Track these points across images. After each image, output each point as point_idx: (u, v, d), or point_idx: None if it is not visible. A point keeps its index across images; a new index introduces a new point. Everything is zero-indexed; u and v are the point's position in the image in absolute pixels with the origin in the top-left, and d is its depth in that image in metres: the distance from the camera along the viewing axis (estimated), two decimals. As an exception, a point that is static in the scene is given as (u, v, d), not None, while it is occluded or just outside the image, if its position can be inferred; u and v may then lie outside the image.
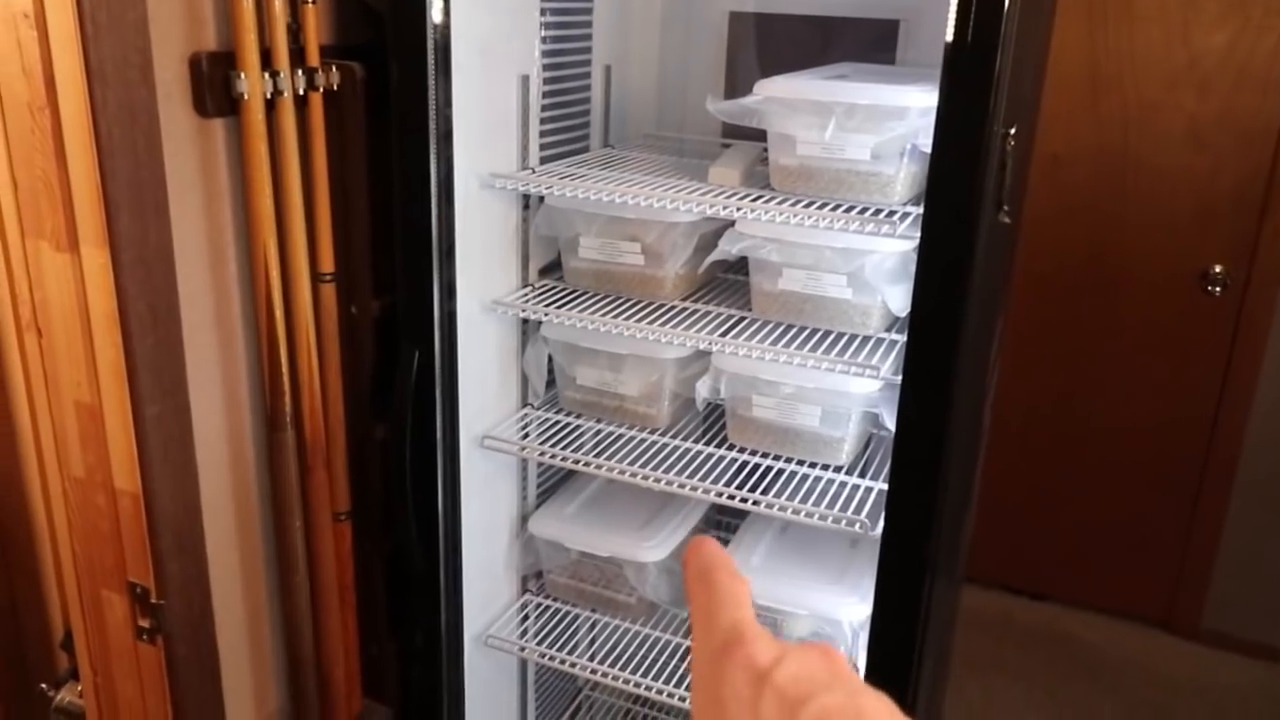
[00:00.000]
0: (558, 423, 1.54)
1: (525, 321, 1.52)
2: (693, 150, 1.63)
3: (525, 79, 1.41)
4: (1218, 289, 2.75)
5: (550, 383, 1.57)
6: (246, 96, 1.16)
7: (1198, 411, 2.86)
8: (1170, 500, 2.95)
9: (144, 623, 1.25)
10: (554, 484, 1.71)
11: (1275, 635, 2.89)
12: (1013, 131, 1.07)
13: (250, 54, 1.15)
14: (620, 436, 1.51)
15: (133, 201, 1.10)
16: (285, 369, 1.28)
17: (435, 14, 1.21)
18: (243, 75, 1.15)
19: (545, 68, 1.46)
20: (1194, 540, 2.94)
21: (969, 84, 0.98)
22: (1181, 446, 2.90)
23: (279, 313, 1.25)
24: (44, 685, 1.40)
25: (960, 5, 0.96)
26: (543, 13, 1.43)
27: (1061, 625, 3.13)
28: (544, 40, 1.44)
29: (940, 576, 1.23)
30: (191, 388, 1.22)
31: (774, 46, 1.68)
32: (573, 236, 1.44)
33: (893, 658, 1.22)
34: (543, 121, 1.48)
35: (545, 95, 1.47)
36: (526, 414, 1.56)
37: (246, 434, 1.33)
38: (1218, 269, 2.74)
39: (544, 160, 1.50)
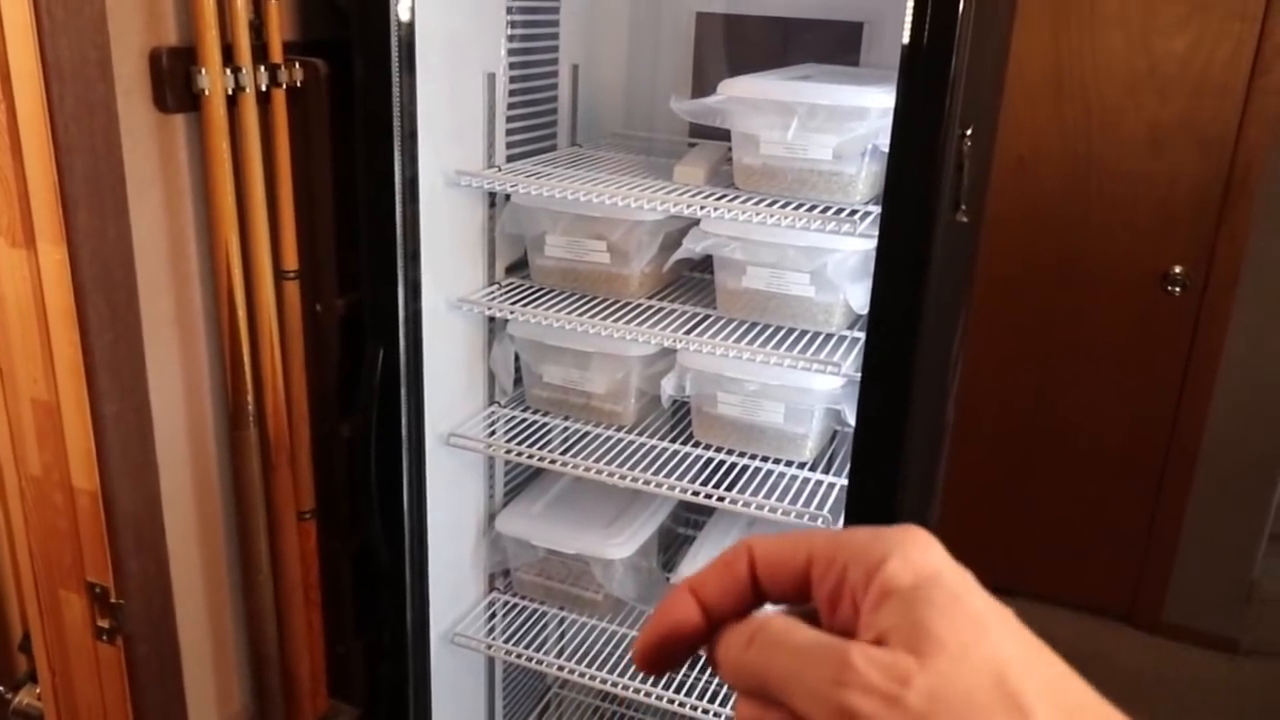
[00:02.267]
0: (525, 420, 1.54)
1: (492, 319, 1.52)
2: (660, 149, 1.64)
3: (491, 77, 1.41)
4: (1178, 289, 2.79)
5: (518, 381, 1.57)
6: (208, 92, 1.15)
7: (1160, 408, 2.90)
8: (1133, 496, 2.99)
9: (103, 623, 1.24)
10: (522, 482, 1.71)
11: (1236, 628, 2.94)
12: (969, 132, 1.09)
13: (211, 50, 1.14)
14: (587, 434, 1.51)
15: (91, 198, 1.09)
16: (247, 366, 1.28)
17: (402, 11, 1.21)
18: (204, 71, 1.14)
19: (512, 66, 1.46)
20: (1156, 535, 2.99)
21: (926, 86, 1.00)
22: (1144, 443, 2.95)
23: (241, 310, 1.25)
24: (1, 688, 1.39)
25: (916, 8, 0.97)
26: (509, 10, 1.43)
27: (1028, 620, 3.08)
28: (510, 39, 1.44)
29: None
30: (152, 385, 1.21)
31: (740, 47, 1.69)
32: (539, 235, 1.44)
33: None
34: (509, 120, 1.48)
35: (512, 94, 1.47)
36: (493, 412, 1.56)
37: (209, 431, 1.32)
38: (1178, 270, 2.79)
39: (511, 158, 1.50)
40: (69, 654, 1.28)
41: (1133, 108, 2.74)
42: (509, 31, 1.44)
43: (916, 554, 0.33)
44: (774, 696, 0.32)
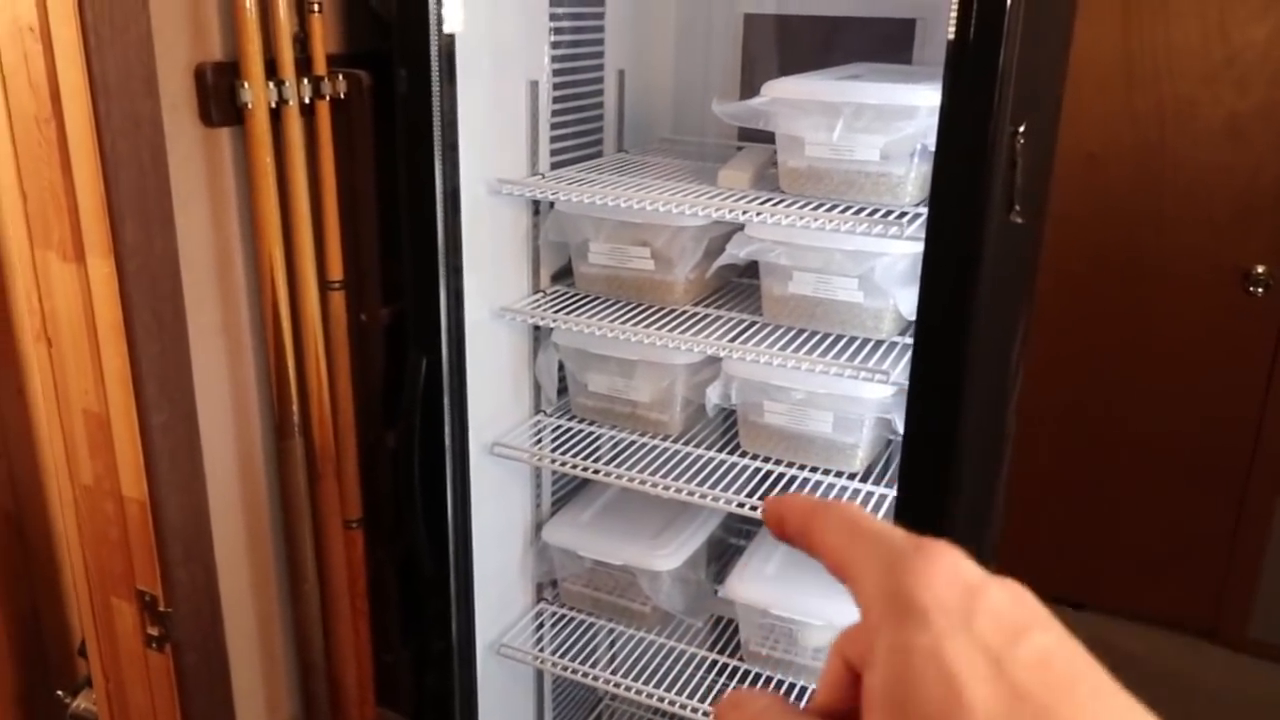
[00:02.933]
0: (571, 430, 1.53)
1: (537, 328, 1.51)
2: (709, 154, 1.62)
3: (534, 84, 1.40)
4: (1260, 289, 2.67)
5: (565, 390, 1.56)
6: (250, 106, 1.16)
7: (1241, 414, 2.78)
8: (1215, 505, 2.87)
9: (153, 630, 1.25)
10: (570, 491, 1.69)
11: (1326, 646, 2.80)
12: (1021, 130, 1.05)
13: (254, 64, 1.15)
14: (634, 444, 1.49)
15: (137, 211, 1.10)
16: (293, 376, 1.29)
17: (443, 22, 1.21)
18: (246, 85, 1.15)
19: (555, 73, 1.45)
20: (1239, 546, 2.86)
21: (972, 81, 0.96)
22: (1225, 450, 2.83)
23: (286, 320, 1.26)
24: (60, 692, 1.42)
25: (962, 2, 0.93)
26: (553, 18, 1.42)
27: (1102, 635, 3.06)
28: (554, 45, 1.44)
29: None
30: (199, 395, 1.23)
31: (790, 48, 1.65)
32: (582, 242, 1.43)
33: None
34: (553, 127, 1.47)
35: (555, 100, 1.46)
36: (540, 421, 1.55)
37: (256, 441, 1.33)
38: (1260, 269, 2.67)
39: (555, 166, 1.49)
40: (121, 661, 1.30)
41: (1209, 99, 2.63)
42: (553, 39, 1.43)
43: (912, 581, 0.29)
44: None
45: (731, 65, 1.68)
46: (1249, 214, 2.66)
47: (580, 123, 1.54)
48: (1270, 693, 2.75)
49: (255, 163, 1.19)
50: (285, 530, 1.35)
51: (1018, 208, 1.11)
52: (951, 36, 0.95)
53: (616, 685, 1.50)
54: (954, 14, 0.94)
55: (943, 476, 1.09)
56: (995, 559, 1.77)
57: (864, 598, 0.30)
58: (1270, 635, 2.86)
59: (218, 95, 1.16)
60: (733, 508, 1.34)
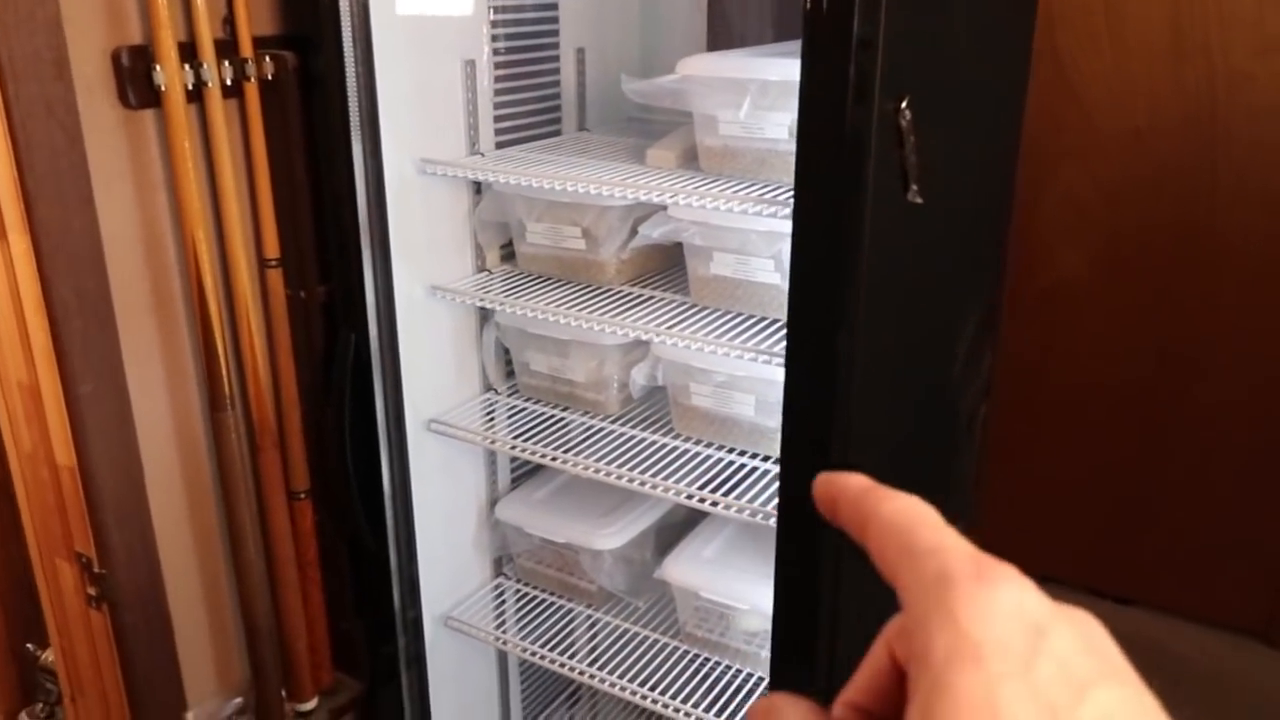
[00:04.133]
0: (521, 409, 1.54)
1: (483, 307, 1.52)
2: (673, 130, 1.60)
3: (471, 64, 1.41)
4: (1318, 272, 2.50)
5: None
6: (165, 89, 1.20)
7: (1299, 408, 2.62)
8: (1272, 500, 2.71)
9: (91, 591, 1.32)
10: (534, 467, 1.71)
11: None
12: (905, 105, 1.00)
13: (167, 46, 1.19)
14: (579, 425, 1.49)
15: (52, 191, 1.16)
16: (224, 351, 1.33)
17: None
18: (159, 68, 1.19)
19: (498, 51, 1.46)
20: (1300, 551, 2.70)
21: (828, 52, 0.92)
22: (1280, 445, 2.66)
23: (212, 297, 1.30)
24: (30, 645, 1.51)
25: (815, -30, 0.90)
26: (494, -4, 1.43)
27: (1149, 633, 2.93)
28: (495, 25, 1.44)
29: (856, 573, 1.17)
30: (131, 369, 1.28)
31: (755, 23, 1.62)
32: (520, 222, 1.43)
33: (794, 657, 1.17)
34: (498, 106, 1.48)
35: (500, 80, 1.47)
36: (490, 399, 1.57)
37: (196, 414, 1.38)
38: (1320, 252, 2.50)
39: (503, 145, 1.49)
40: (68, 618, 1.37)
41: (1266, 73, 2.47)
42: (492, 17, 1.43)
43: (969, 611, 0.25)
44: None
45: (697, 41, 1.66)
46: (1308, 192, 2.49)
47: (532, 102, 1.54)
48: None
49: (173, 144, 1.23)
50: (224, 500, 1.40)
51: (915, 187, 1.07)
52: (807, 5, 0.92)
53: (566, 668, 1.51)
54: (809, -16, 0.91)
55: (822, 458, 1.06)
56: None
57: (913, 615, 0.27)
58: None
59: (134, 78, 1.20)
60: (669, 496, 1.32)
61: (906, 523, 0.29)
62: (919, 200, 1.09)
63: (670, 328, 1.27)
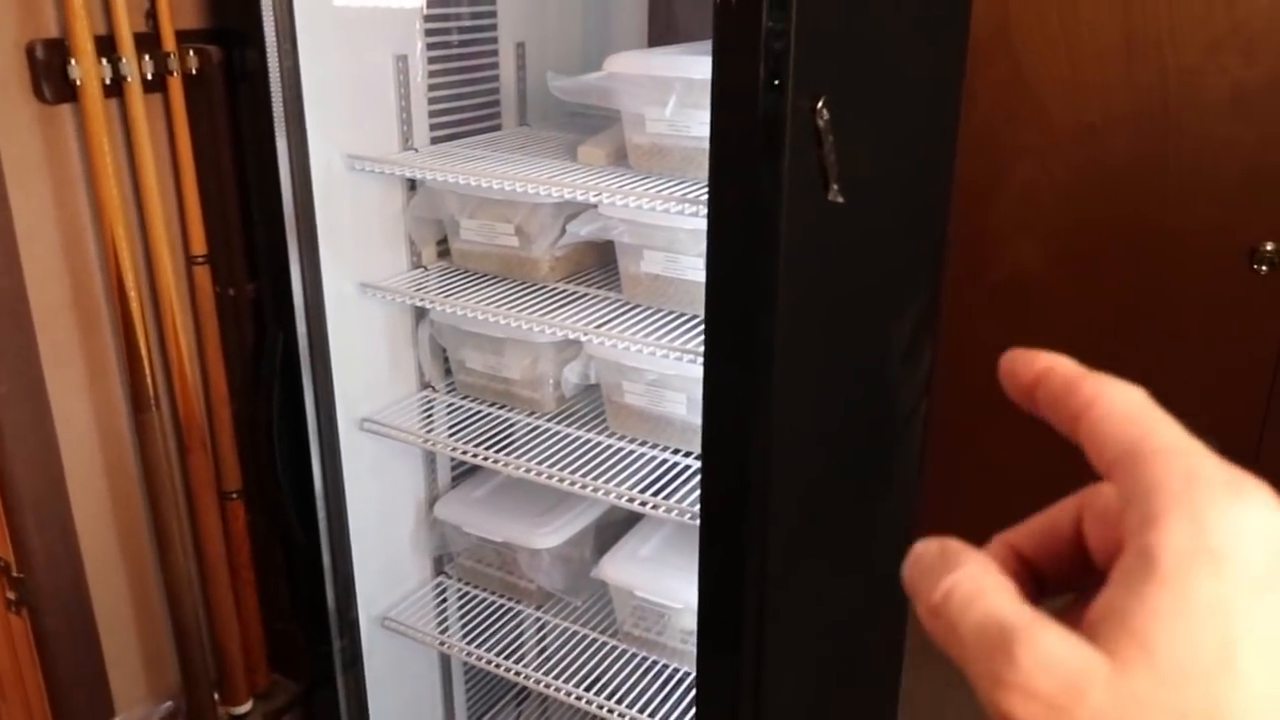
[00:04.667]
0: (458, 407, 1.52)
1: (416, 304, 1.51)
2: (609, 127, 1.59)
3: (403, 59, 1.39)
4: (1265, 267, 2.52)
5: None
6: (80, 83, 1.18)
7: (1250, 399, 2.64)
8: (1217, 497, 2.74)
9: (10, 595, 1.30)
10: (474, 466, 1.69)
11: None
12: (821, 104, 0.99)
13: (82, 40, 1.17)
14: (517, 423, 1.48)
15: (-38, 187, 1.13)
16: (148, 350, 1.31)
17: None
18: (74, 62, 1.17)
19: (432, 46, 1.44)
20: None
21: (739, 49, 0.92)
22: (1234, 437, 2.69)
23: (134, 295, 1.28)
24: (-44, 648, 1.48)
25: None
26: (427, -9, 1.41)
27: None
28: (429, 19, 1.42)
29: (782, 566, 1.17)
30: (52, 368, 1.26)
31: (696, 18, 1.61)
32: (453, 218, 1.42)
33: (721, 653, 1.16)
34: (434, 101, 1.46)
35: (435, 75, 1.45)
36: (428, 397, 1.55)
37: (120, 414, 1.36)
38: (1268, 246, 2.52)
39: (440, 140, 1.48)
40: (-10, 622, 1.35)
41: (1214, 69, 2.48)
42: (426, 12, 1.41)
43: (1217, 518, 0.24)
44: None
45: (639, 37, 1.64)
46: (1256, 189, 2.51)
47: (470, 97, 1.52)
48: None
49: (90, 139, 1.20)
50: (151, 501, 1.38)
51: (835, 186, 1.06)
52: (717, 2, 0.91)
53: (500, 667, 1.50)
54: (721, -20, 0.90)
55: (743, 454, 1.05)
56: (912, 537, 1.72)
57: (1144, 507, 0.25)
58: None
59: (50, 72, 1.18)
60: (604, 497, 1.31)
61: (1143, 416, 0.27)
62: (840, 199, 1.08)
63: (601, 326, 1.26)
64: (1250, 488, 0.25)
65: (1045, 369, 0.30)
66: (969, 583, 0.26)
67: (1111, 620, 0.23)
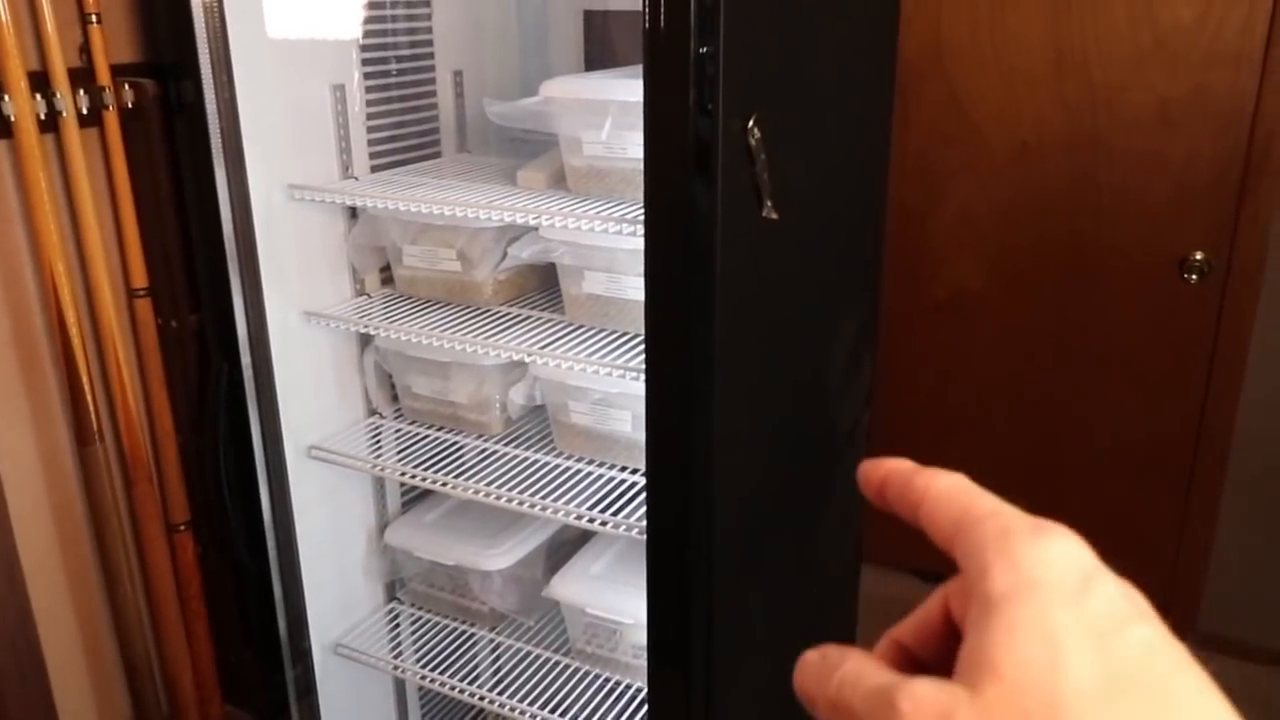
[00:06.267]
0: (406, 432, 1.53)
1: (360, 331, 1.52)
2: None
3: (340, 88, 1.41)
4: (1195, 276, 2.61)
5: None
6: (14, 119, 1.18)
7: (1184, 405, 2.72)
8: (1160, 498, 2.81)
9: (-47, 634, 1.28)
10: (423, 492, 1.70)
11: (1277, 638, 2.73)
12: (752, 124, 1.03)
13: (15, 76, 1.17)
14: (466, 447, 1.49)
15: (-104, 225, 1.13)
16: (89, 384, 1.30)
17: (212, 26, 1.21)
18: (6, 98, 1.17)
19: (370, 76, 1.46)
20: (1187, 540, 2.80)
21: (669, 72, 0.95)
22: (1169, 443, 2.76)
23: (74, 329, 1.27)
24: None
25: (650, -6, 0.92)
26: (364, 22, 1.43)
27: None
28: (365, 49, 1.44)
29: (729, 580, 1.19)
30: (-8, 404, 1.25)
31: (630, 44, 1.64)
32: (395, 245, 1.43)
33: (669, 669, 1.18)
34: (372, 130, 1.47)
35: (373, 103, 1.47)
36: (375, 423, 1.56)
37: (64, 449, 1.35)
38: (1197, 256, 2.60)
39: (380, 168, 1.49)
40: (-68, 663, 1.33)
41: (1140, 85, 2.57)
42: (363, 41, 1.43)
43: (1028, 555, 0.28)
44: None
45: (575, 64, 1.67)
46: (1184, 201, 2.60)
47: (410, 124, 1.54)
48: (1222, 687, 2.68)
49: (26, 175, 1.21)
50: (97, 535, 1.37)
51: (769, 204, 1.10)
52: (645, 25, 0.94)
53: (455, 689, 1.50)
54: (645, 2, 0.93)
55: (683, 471, 1.07)
56: (859, 547, 1.75)
57: (974, 567, 0.29)
58: (1220, 628, 2.79)
59: (-17, 109, 1.18)
60: (552, 515, 1.33)
61: (962, 494, 0.32)
62: (774, 216, 1.11)
63: (546, 347, 1.28)
64: (1050, 527, 0.30)
65: (888, 472, 0.35)
66: (853, 669, 0.31)
67: (967, 660, 0.28)
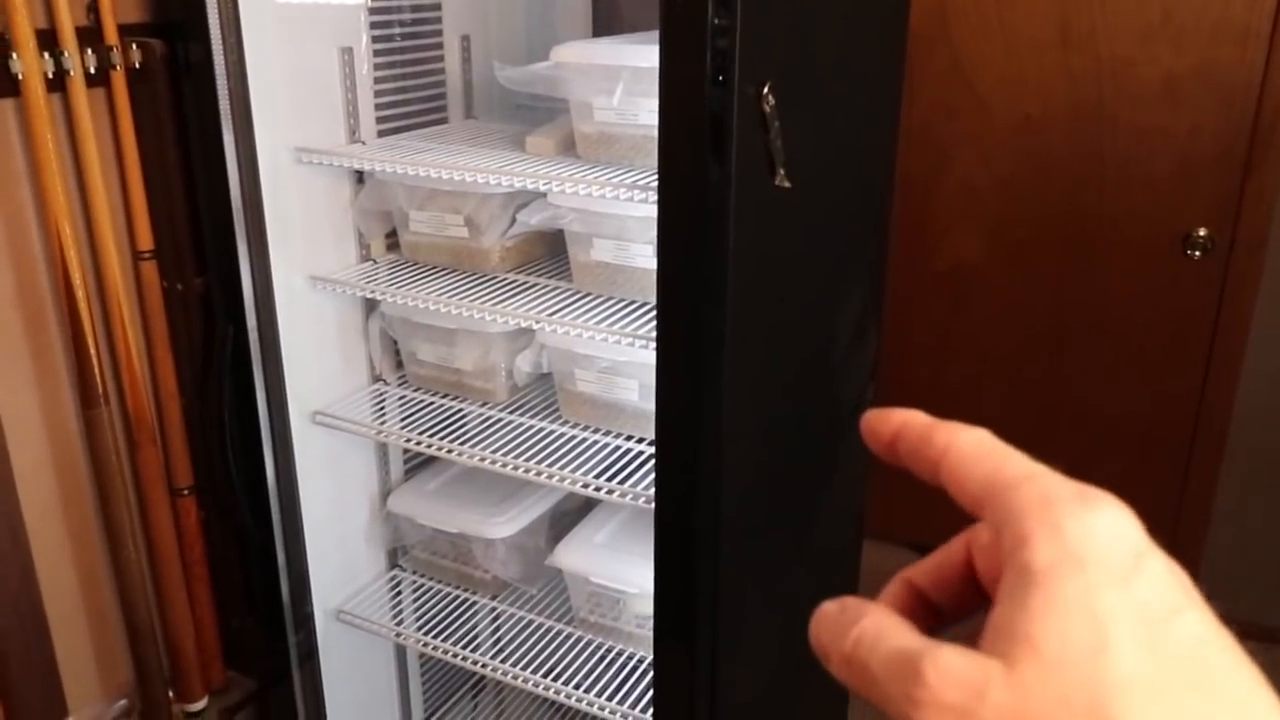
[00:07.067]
0: (411, 399, 1.53)
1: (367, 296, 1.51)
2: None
3: (348, 51, 1.39)
4: (1198, 253, 2.60)
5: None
6: (23, 77, 1.17)
7: (1185, 382, 2.72)
8: (1159, 476, 2.82)
9: (-42, 594, 1.28)
10: (428, 457, 1.70)
11: (1273, 615, 2.75)
12: (767, 91, 1.02)
13: (23, 33, 1.16)
14: (470, 414, 1.49)
15: (-100, 183, 1.11)
16: (95, 346, 1.30)
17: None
18: (16, 55, 1.16)
19: (378, 39, 1.44)
20: (1184, 518, 2.81)
21: (686, 38, 0.94)
22: (1169, 420, 2.77)
23: (81, 291, 1.27)
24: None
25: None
26: (371, -16, 1.41)
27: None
28: (373, 11, 1.42)
29: (736, 551, 1.19)
30: (-4, 366, 1.25)
31: (641, 8, 1.63)
32: (402, 210, 1.42)
33: (674, 639, 1.19)
34: (380, 94, 1.46)
35: (380, 67, 1.45)
36: (380, 389, 1.55)
37: (69, 411, 1.35)
38: (1201, 232, 2.60)
39: (386, 133, 1.48)
40: (-63, 624, 1.33)
41: (1146, 59, 2.55)
42: (371, 4, 1.41)
43: (1075, 527, 0.27)
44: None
45: (583, 28, 1.66)
46: (1188, 176, 2.59)
47: (416, 89, 1.53)
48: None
49: (34, 134, 1.19)
50: (100, 498, 1.37)
51: (781, 172, 1.09)
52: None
53: (458, 657, 1.50)
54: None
55: (694, 440, 1.07)
56: (861, 523, 1.76)
57: (1012, 532, 0.27)
58: (1218, 604, 2.81)
59: (-11, 67, 1.16)
60: (557, 484, 1.33)
61: (991, 452, 0.30)
62: (787, 185, 1.11)
63: (553, 315, 1.28)
64: (1096, 497, 0.28)
65: (901, 424, 0.32)
66: (873, 627, 0.29)
67: (1001, 631, 0.26)
